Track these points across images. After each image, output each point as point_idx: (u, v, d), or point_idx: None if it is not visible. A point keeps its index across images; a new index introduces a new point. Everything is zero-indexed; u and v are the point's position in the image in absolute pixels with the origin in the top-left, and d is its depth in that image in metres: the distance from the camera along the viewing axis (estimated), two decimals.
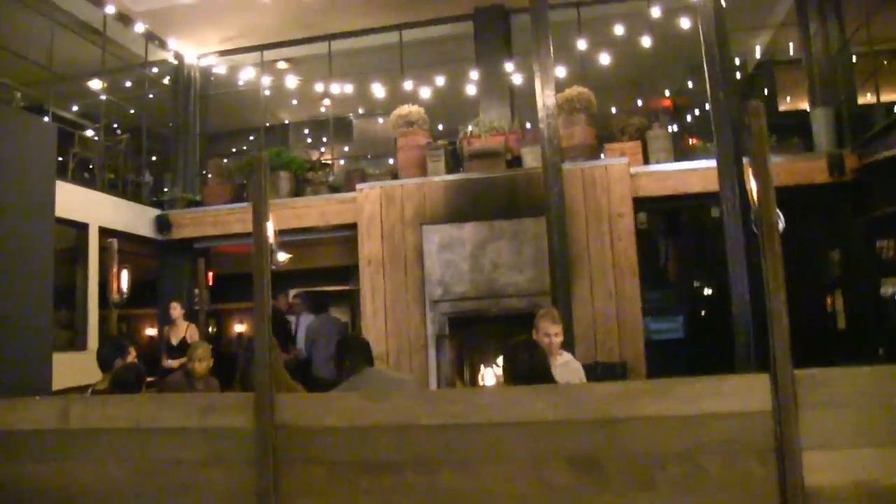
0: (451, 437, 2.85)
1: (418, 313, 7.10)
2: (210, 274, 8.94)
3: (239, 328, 13.19)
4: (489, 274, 7.04)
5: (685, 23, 7.78)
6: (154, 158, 9.20)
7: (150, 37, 8.90)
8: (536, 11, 6.45)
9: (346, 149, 10.95)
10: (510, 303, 7.01)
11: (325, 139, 10.87)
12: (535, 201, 7.03)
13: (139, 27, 8.49)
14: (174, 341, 7.06)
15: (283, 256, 9.83)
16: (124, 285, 5.56)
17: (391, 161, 8.50)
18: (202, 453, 3.08)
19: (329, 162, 9.56)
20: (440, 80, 8.41)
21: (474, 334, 7.31)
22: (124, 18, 8.39)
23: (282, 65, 9.67)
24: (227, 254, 9.26)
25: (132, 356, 4.03)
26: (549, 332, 4.07)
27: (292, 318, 8.05)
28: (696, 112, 10.57)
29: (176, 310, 7.19)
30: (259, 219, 3.05)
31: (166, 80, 9.58)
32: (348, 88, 8.79)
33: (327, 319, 8.08)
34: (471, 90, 8.42)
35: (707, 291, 10.69)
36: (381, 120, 10.31)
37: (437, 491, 2.81)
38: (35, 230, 4.57)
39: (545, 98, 6.33)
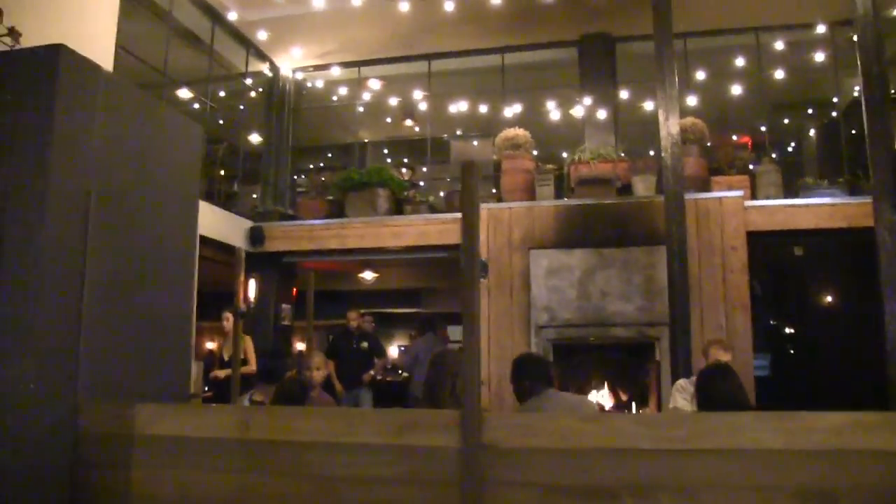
0: (672, 463, 2.72)
1: (523, 338, 6.98)
2: (294, 290, 8.92)
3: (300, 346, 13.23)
4: (597, 302, 6.92)
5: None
6: (243, 170, 9.23)
7: (249, 47, 9.00)
8: (661, 39, 6.38)
9: (424, 169, 10.97)
10: (617, 332, 6.87)
11: (406, 159, 10.88)
12: (646, 230, 6.94)
13: (240, 37, 8.60)
14: (225, 355, 6.61)
15: (369, 275, 9.81)
16: (252, 294, 5.52)
17: (488, 183, 8.47)
18: (399, 471, 2.98)
19: (420, 182, 9.52)
20: (541, 105, 8.38)
21: (579, 362, 7.17)
22: (228, 27, 8.49)
23: (375, 84, 9.70)
24: (312, 269, 9.23)
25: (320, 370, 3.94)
26: (721, 358, 4.00)
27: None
28: (789, 149, 10.46)
29: (228, 321, 6.69)
30: (471, 229, 2.97)
31: (255, 92, 9.66)
32: (447, 108, 8.79)
33: (433, 341, 8.02)
34: (569, 116, 8.38)
35: (788, 330, 10.48)
36: (475, 142, 10.31)
37: None
38: (181, 234, 4.54)
39: (669, 127, 6.24)
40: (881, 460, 2.58)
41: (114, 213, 3.68)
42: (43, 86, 3.30)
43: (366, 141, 9.85)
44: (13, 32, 4.08)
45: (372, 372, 7.87)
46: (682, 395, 4.49)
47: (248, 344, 6.88)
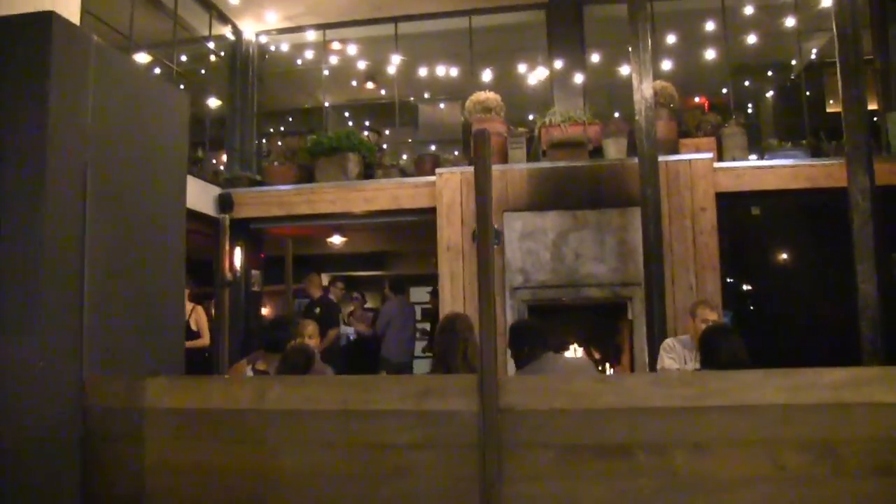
0: (683, 420, 2.85)
1: (498, 300, 7.07)
2: (261, 255, 8.84)
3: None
4: (571, 263, 7.04)
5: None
6: (208, 136, 9.03)
7: (212, 10, 8.75)
8: (635, 2, 6.42)
9: (387, 132, 10.87)
10: (590, 292, 7.02)
11: (367, 123, 10.78)
12: (619, 192, 7.06)
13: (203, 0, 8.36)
14: (192, 325, 6.84)
15: (338, 240, 9.77)
16: (237, 263, 5.45)
17: (457, 147, 8.48)
18: (418, 437, 3.05)
19: (383, 146, 9.46)
20: (509, 69, 8.38)
21: (554, 323, 7.31)
22: None
23: (336, 45, 9.54)
24: (280, 236, 9.15)
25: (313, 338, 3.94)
26: (708, 318, 4.16)
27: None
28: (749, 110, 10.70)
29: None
30: (484, 196, 3.01)
31: (217, 57, 9.41)
32: (415, 71, 8.72)
33: (404, 303, 8.04)
34: (537, 80, 8.41)
35: (746, 287, 10.84)
36: (442, 105, 10.26)
37: (670, 473, 2.82)
38: (171, 205, 4.47)
39: (643, 90, 6.32)
40: (878, 412, 2.76)
41: (109, 185, 3.60)
42: (36, 54, 3.20)
43: (327, 105, 9.69)
44: None
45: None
46: (668, 355, 4.65)
47: (201, 314, 6.81)
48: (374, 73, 10.43)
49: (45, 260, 3.15)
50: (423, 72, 8.75)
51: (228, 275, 4.83)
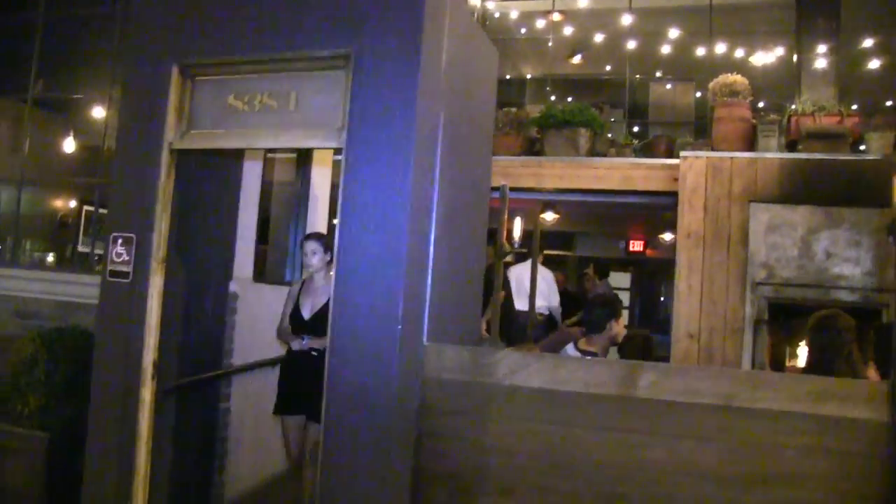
0: None
1: (737, 294, 6.82)
2: None
3: None
4: (820, 262, 6.68)
5: None
6: None
7: None
8: None
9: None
10: (840, 295, 6.64)
11: (569, 98, 10.56)
12: (881, 191, 6.60)
13: None
14: None
15: (550, 216, 9.70)
16: (516, 232, 5.43)
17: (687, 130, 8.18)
18: (809, 441, 2.92)
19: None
20: (748, 50, 7.97)
21: (795, 323, 6.98)
22: None
23: (556, 16, 9.37)
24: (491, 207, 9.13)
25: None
26: None
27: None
28: None
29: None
30: None
31: None
32: (646, 48, 8.44)
33: (609, 288, 7.90)
34: (780, 63, 7.96)
35: None
36: (668, 86, 9.96)
37: None
38: (484, 164, 4.46)
39: None
40: None
41: (450, 142, 3.60)
42: (410, 8, 3.20)
43: (528, 77, 9.57)
44: None
45: None
46: None
47: None
48: (585, 47, 10.20)
49: (412, 210, 3.15)
50: (654, 48, 8.44)
51: (507, 245, 4.79)
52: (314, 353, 4.06)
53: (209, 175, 4.14)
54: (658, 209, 8.34)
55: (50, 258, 6.24)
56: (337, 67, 3.37)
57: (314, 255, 4.28)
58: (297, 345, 4.14)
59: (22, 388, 4.06)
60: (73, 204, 8.20)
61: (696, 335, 6.73)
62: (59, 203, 7.70)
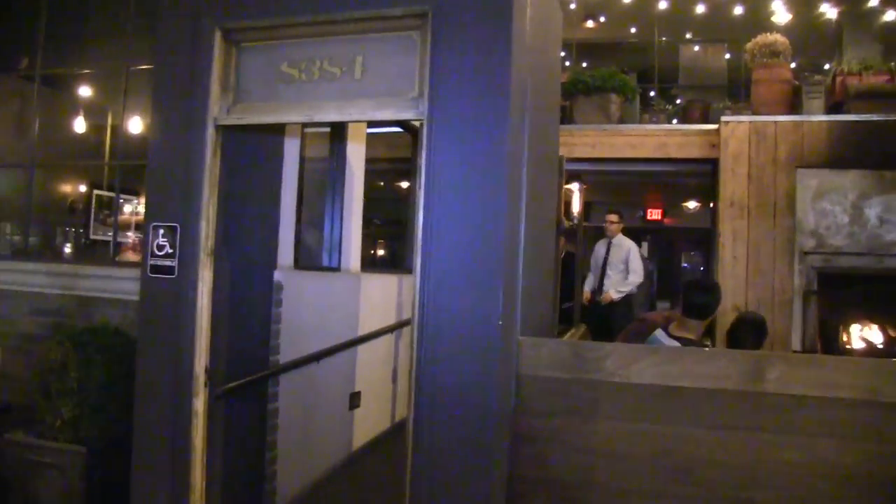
0: None
1: (785, 265, 6.51)
2: None
3: None
4: (872, 229, 6.38)
5: None
6: None
7: None
8: None
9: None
10: (894, 263, 6.35)
11: (584, 64, 10.13)
12: None
13: None
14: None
15: (575, 187, 9.29)
16: (575, 207, 5.04)
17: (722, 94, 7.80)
18: None
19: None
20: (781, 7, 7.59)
21: (848, 293, 6.70)
22: None
23: None
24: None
25: None
26: None
27: None
28: None
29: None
30: None
31: None
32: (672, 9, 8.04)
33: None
34: (816, 21, 7.59)
35: None
36: (696, 48, 9.53)
37: None
38: (553, 140, 4.10)
39: None
40: None
41: (533, 112, 3.23)
42: None
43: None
44: None
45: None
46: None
47: None
48: (595, 11, 9.77)
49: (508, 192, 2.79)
50: (684, 9, 8.03)
51: (565, 221, 4.43)
52: None
53: (250, 151, 3.71)
54: (682, 176, 8.01)
55: (67, 248, 5.78)
56: (410, 28, 2.95)
57: None
58: None
59: (52, 397, 3.65)
60: (83, 189, 7.69)
61: (742, 307, 6.42)
62: (67, 188, 7.20)
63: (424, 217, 2.83)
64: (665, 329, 3.58)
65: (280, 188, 4.07)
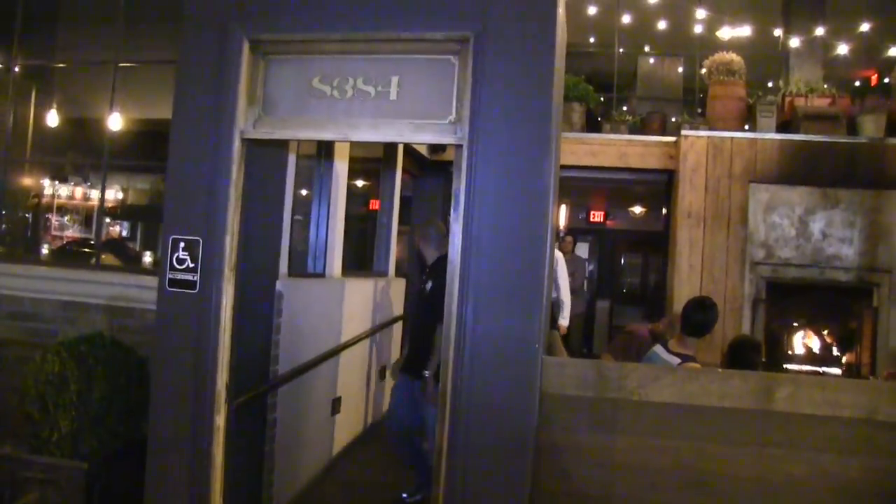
0: None
1: (737, 274, 6.86)
2: None
3: None
4: (816, 242, 6.80)
5: None
6: None
7: None
8: None
9: None
10: (835, 274, 6.79)
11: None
12: (876, 173, 6.76)
13: None
14: None
15: None
16: (561, 220, 5.16)
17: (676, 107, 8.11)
18: None
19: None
20: (737, 30, 7.95)
21: (792, 302, 7.10)
22: None
23: None
24: None
25: None
26: None
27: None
28: None
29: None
30: None
31: None
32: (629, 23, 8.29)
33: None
34: (765, 43, 7.98)
35: None
36: (651, 60, 9.79)
37: None
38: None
39: None
40: None
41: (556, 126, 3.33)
42: None
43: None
44: None
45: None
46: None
47: None
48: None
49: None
50: (644, 27, 8.28)
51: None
52: None
53: (263, 162, 3.66)
54: (638, 184, 8.30)
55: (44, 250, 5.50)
56: (449, 52, 3.00)
57: None
58: None
59: (50, 410, 3.53)
60: (45, 182, 7.31)
61: None
62: (28, 182, 6.83)
63: (463, 240, 2.89)
64: (664, 345, 3.75)
65: (284, 198, 4.04)
